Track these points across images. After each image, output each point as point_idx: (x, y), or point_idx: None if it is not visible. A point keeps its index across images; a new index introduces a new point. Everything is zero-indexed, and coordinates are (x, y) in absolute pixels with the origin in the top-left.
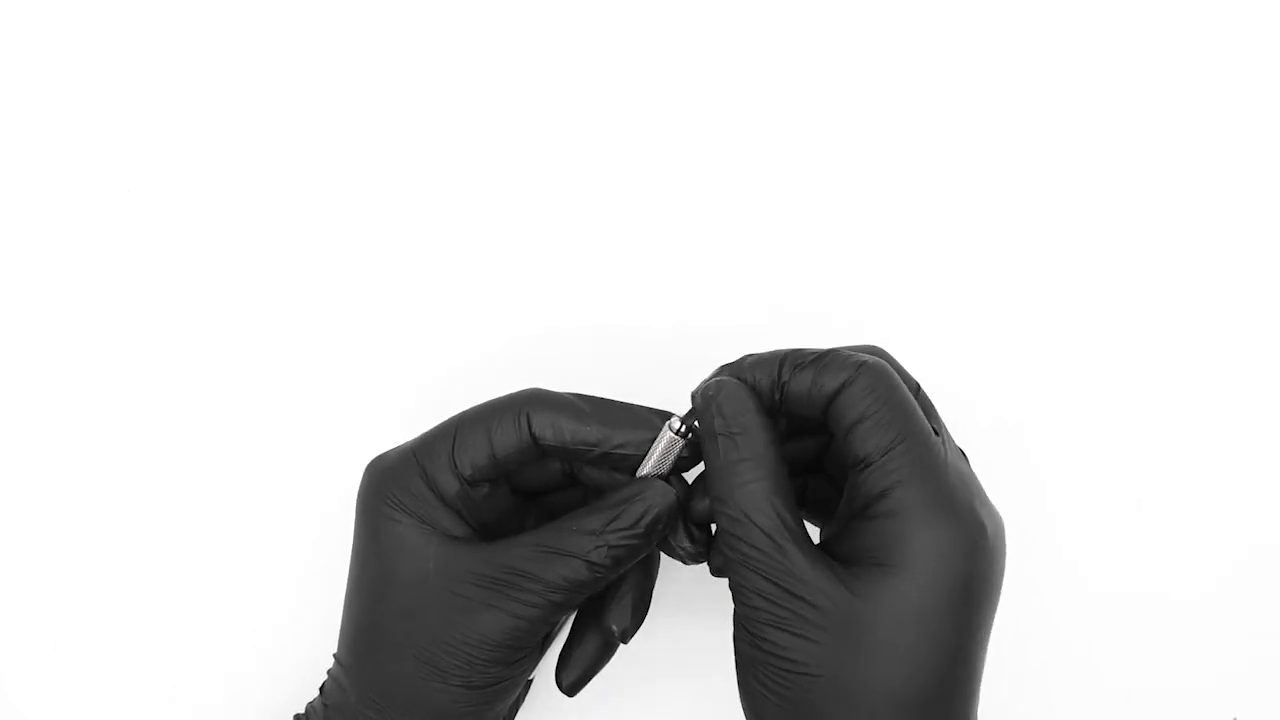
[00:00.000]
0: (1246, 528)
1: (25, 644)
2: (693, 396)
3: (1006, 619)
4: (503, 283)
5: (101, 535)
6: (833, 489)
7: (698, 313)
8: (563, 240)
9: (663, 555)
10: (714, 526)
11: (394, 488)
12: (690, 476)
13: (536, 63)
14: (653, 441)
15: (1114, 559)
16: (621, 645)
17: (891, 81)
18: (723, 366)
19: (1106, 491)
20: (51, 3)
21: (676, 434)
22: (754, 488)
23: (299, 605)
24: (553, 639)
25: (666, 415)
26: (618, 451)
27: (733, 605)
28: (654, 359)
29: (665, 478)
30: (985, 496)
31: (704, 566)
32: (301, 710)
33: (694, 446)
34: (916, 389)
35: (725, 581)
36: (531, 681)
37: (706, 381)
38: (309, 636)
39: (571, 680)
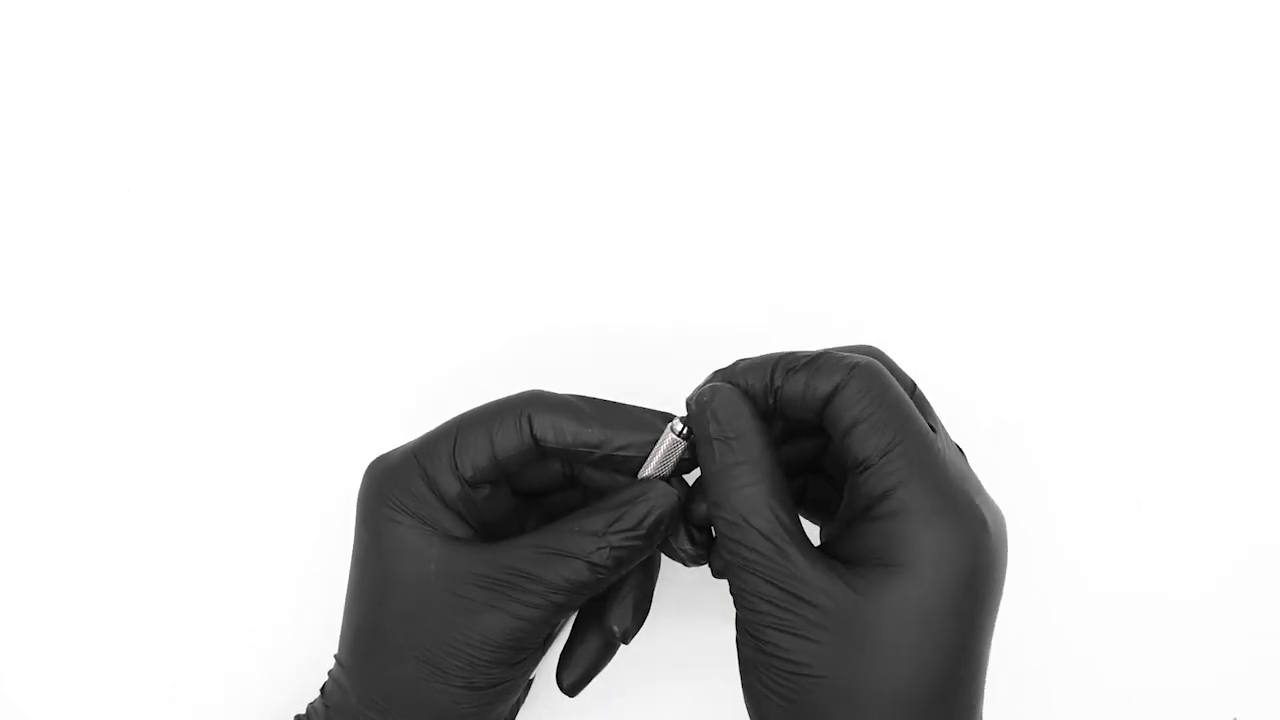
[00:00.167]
0: (1246, 528)
1: (25, 644)
2: (687, 403)
3: (1007, 619)
4: (503, 283)
5: (101, 535)
6: (833, 488)
7: (698, 313)
8: (563, 240)
9: (663, 556)
10: (714, 529)
11: (395, 489)
12: (691, 479)
13: (537, 63)
14: (654, 443)
15: (1114, 559)
16: (622, 646)
17: (891, 82)
18: (716, 372)
19: (1106, 491)
20: (51, 3)
21: (679, 436)
22: (750, 491)
23: (299, 605)
24: (554, 639)
25: (668, 417)
26: (619, 453)
27: (734, 608)
28: (654, 359)
29: (667, 479)
30: (985, 492)
31: (705, 568)
32: (302, 711)
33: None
34: (912, 387)
35: (726, 583)
36: (532, 681)
37: (700, 388)
38: (309, 637)
39: (572, 680)
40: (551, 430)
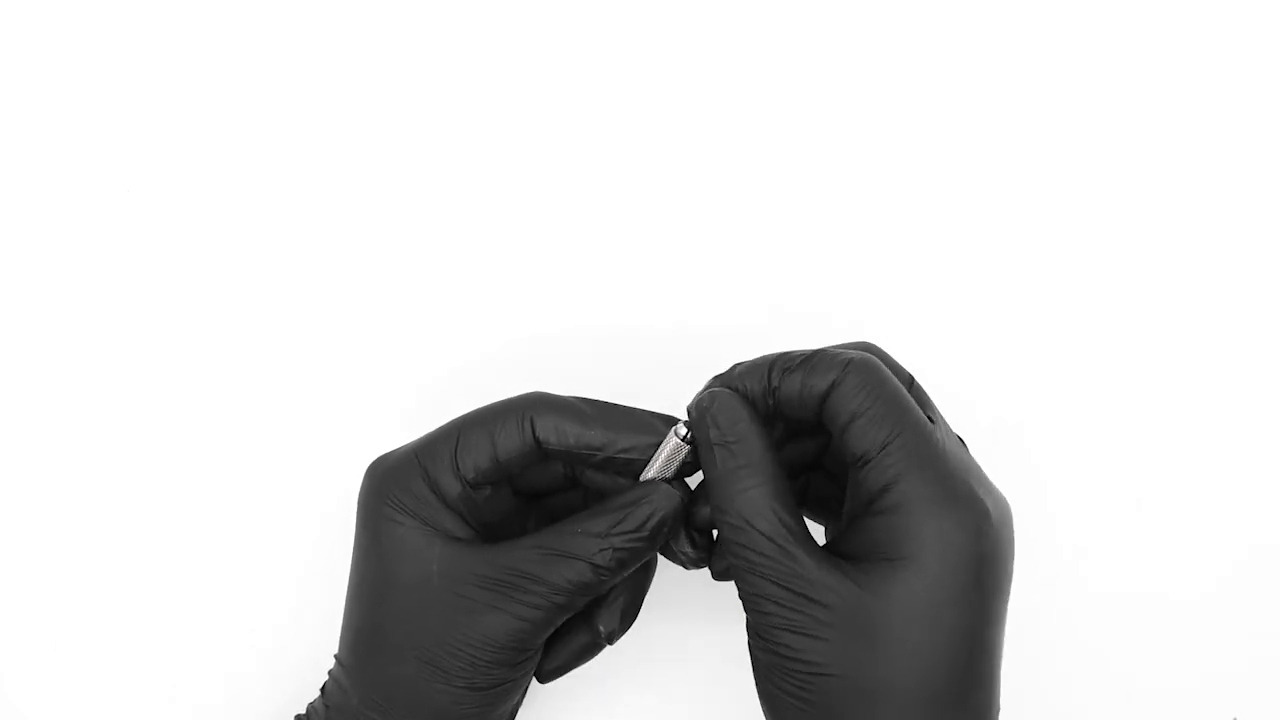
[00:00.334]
0: (1246, 528)
1: (25, 644)
2: (688, 410)
3: (1007, 619)
4: (503, 283)
5: (101, 535)
6: (835, 486)
7: (698, 313)
8: (563, 241)
9: (661, 560)
10: (715, 533)
11: (396, 489)
12: (692, 482)
13: (536, 63)
14: (657, 446)
15: (1114, 559)
16: (608, 646)
17: (891, 82)
18: (714, 378)
19: (1106, 491)
20: (51, 3)
21: (682, 440)
22: (753, 494)
23: (299, 605)
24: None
25: (670, 420)
26: (622, 456)
27: (740, 611)
28: (654, 359)
29: (669, 482)
30: (988, 481)
31: (705, 572)
32: (302, 711)
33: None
34: (910, 381)
35: (728, 586)
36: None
37: (700, 394)
38: (309, 637)
39: (549, 669)
40: (554, 432)
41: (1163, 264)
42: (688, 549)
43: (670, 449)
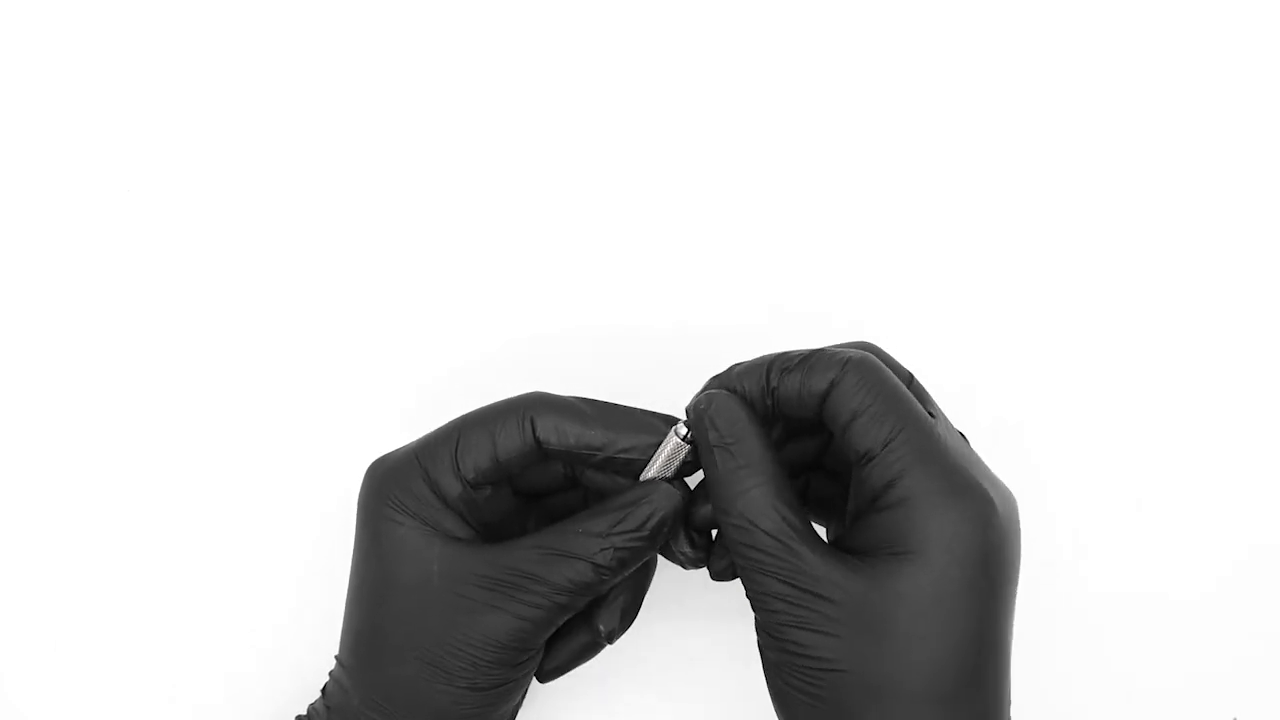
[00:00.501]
0: (1246, 528)
1: (25, 644)
2: (686, 412)
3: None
4: (503, 283)
5: (101, 535)
6: (836, 486)
7: (698, 313)
8: (563, 241)
9: (660, 559)
10: (714, 533)
11: (396, 489)
12: (691, 482)
13: (536, 63)
14: (657, 446)
15: (1114, 559)
16: (608, 645)
17: (891, 82)
18: (712, 379)
19: (1106, 491)
20: (51, 3)
21: (683, 440)
22: (755, 494)
23: (299, 605)
24: None
25: (671, 420)
26: (622, 456)
27: (740, 610)
28: (654, 359)
29: (669, 482)
30: (992, 474)
31: (704, 571)
32: (303, 712)
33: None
34: (909, 379)
35: (727, 586)
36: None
37: (697, 396)
38: (309, 637)
39: (548, 669)
40: (554, 432)
41: (1162, 264)
42: (687, 549)
43: (670, 449)
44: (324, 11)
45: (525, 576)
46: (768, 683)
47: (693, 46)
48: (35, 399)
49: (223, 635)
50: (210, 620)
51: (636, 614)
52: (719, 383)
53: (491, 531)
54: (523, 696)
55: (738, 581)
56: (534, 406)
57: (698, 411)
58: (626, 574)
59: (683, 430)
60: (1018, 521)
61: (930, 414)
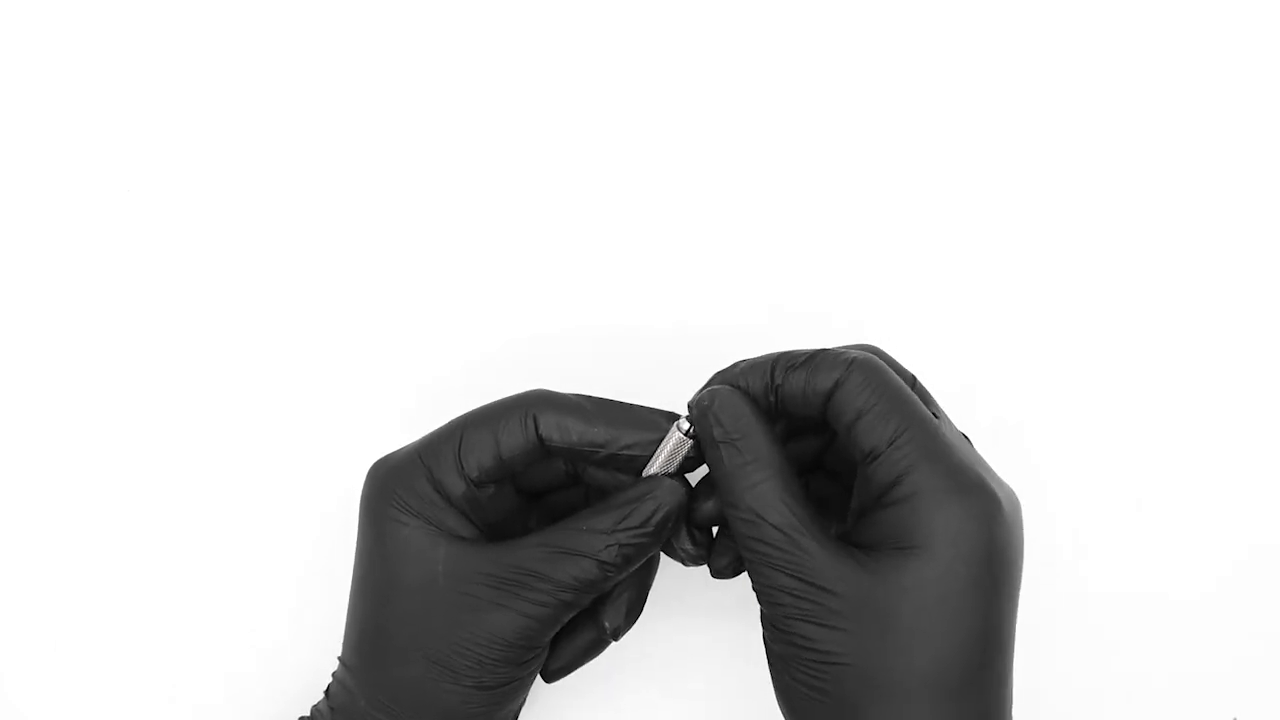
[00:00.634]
0: (1246, 528)
1: (25, 644)
2: (689, 408)
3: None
4: (503, 283)
5: (101, 535)
6: (836, 487)
7: (698, 313)
8: (563, 241)
9: (663, 558)
10: (715, 530)
11: (399, 489)
12: (693, 479)
13: (536, 63)
14: (659, 442)
15: (1114, 559)
16: (613, 643)
17: (891, 82)
18: (716, 374)
19: (1106, 491)
20: (51, 3)
21: (685, 435)
22: (763, 488)
23: (299, 605)
24: None
25: (672, 416)
26: (624, 452)
27: (742, 607)
28: (654, 359)
29: (671, 477)
30: (995, 474)
31: (704, 569)
32: (305, 713)
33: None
34: (913, 381)
35: (728, 583)
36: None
37: (700, 392)
38: (309, 636)
39: (554, 668)
40: (557, 429)
41: (1162, 264)
42: (688, 546)
43: (673, 444)
44: (324, 12)
45: (531, 575)
46: (772, 677)
47: (693, 47)
48: (35, 399)
49: (223, 635)
50: (210, 620)
51: (641, 610)
52: (723, 378)
53: (494, 530)
54: (526, 695)
55: (738, 579)
56: (536, 404)
57: (701, 408)
58: (631, 570)
59: (685, 426)
60: (1021, 522)
61: (934, 414)
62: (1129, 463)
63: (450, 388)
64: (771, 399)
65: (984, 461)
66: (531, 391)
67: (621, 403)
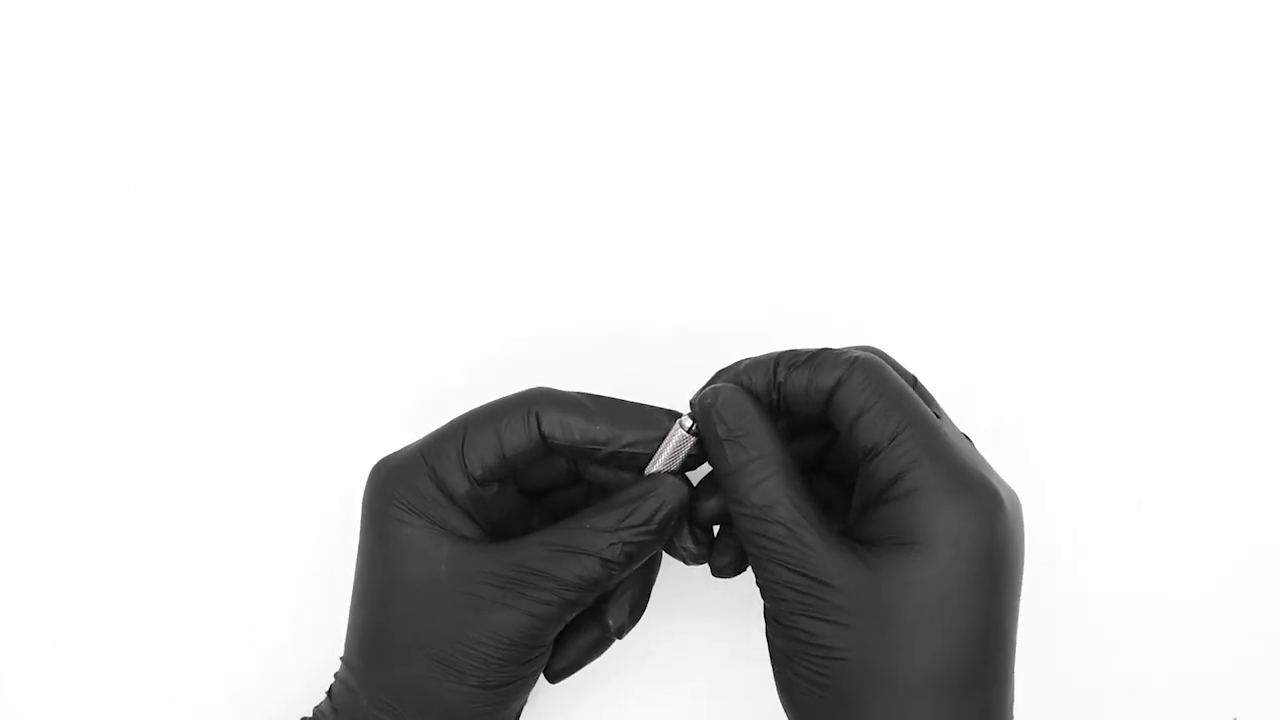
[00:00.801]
0: (1246, 528)
1: (25, 644)
2: (691, 405)
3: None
4: (503, 283)
5: (101, 535)
6: (837, 488)
7: (698, 313)
8: (562, 241)
9: (665, 557)
10: (716, 529)
11: (402, 488)
12: (695, 477)
13: (536, 63)
14: (661, 440)
15: (1114, 559)
16: (617, 641)
17: (891, 82)
18: (719, 372)
19: (1106, 491)
20: (51, 3)
21: (688, 432)
22: (768, 484)
23: (299, 605)
24: None
25: (675, 414)
26: (627, 450)
27: (743, 605)
28: (654, 359)
29: (673, 475)
30: (996, 473)
31: (705, 568)
32: (307, 713)
33: (703, 444)
34: (914, 381)
35: (729, 582)
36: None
37: (702, 390)
38: (310, 636)
39: (559, 668)
40: (560, 427)
41: (1162, 264)
42: (690, 544)
43: (676, 441)
44: (324, 13)
45: (534, 573)
46: (774, 673)
47: (693, 48)
48: (35, 399)
49: (223, 635)
50: (210, 620)
51: (645, 608)
52: (726, 376)
53: (496, 530)
54: (529, 694)
55: (739, 578)
56: (538, 402)
57: (704, 405)
58: (634, 568)
59: (687, 423)
60: (1022, 521)
61: (935, 414)
62: (1129, 463)
63: (450, 388)
64: (774, 397)
65: (985, 461)
66: (533, 389)
67: (624, 401)
